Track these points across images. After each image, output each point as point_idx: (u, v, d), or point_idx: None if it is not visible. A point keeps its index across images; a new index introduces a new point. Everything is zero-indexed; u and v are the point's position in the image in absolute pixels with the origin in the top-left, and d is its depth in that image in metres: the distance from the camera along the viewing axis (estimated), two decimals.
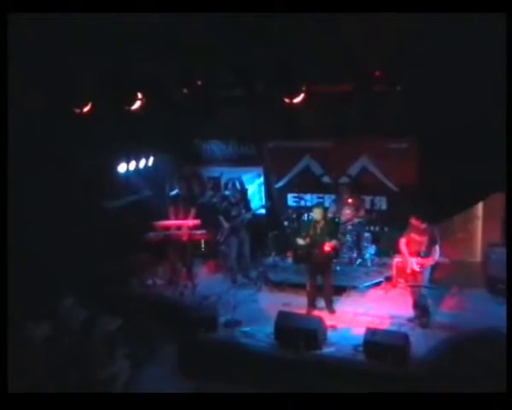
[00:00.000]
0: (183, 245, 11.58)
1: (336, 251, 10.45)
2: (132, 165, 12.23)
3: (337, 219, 11.74)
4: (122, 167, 11.95)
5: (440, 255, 9.42)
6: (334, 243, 9.98)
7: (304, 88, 9.42)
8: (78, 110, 9.95)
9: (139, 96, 10.23)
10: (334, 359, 8.79)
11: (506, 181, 6.96)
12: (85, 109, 10.00)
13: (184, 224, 11.45)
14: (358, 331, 9.17)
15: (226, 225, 11.63)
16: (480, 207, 11.80)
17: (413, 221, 9.44)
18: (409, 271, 9.44)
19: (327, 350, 8.98)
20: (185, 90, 10.17)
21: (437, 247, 9.34)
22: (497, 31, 6.54)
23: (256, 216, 12.30)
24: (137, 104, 10.33)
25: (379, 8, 6.97)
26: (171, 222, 11.52)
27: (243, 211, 11.83)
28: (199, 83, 9.95)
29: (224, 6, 7.31)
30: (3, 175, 6.55)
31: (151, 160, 12.86)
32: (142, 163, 12.58)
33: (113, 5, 7.29)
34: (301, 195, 13.17)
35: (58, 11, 7.17)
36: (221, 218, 11.76)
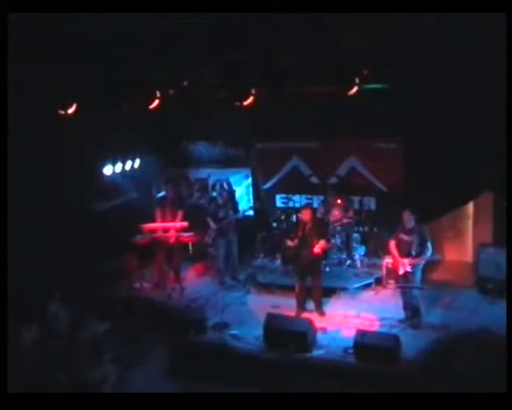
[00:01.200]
0: (171, 248, 11.52)
1: (325, 252, 10.43)
2: (118, 167, 12.15)
3: (326, 220, 11.69)
4: (108, 170, 11.88)
5: (432, 253, 9.44)
6: (323, 243, 9.94)
7: (292, 89, 9.35)
8: (63, 111, 9.81)
9: (126, 97, 10.11)
10: (324, 361, 8.73)
11: (506, 181, 6.97)
12: (71, 110, 9.85)
13: (171, 226, 11.40)
14: (348, 333, 9.13)
15: (214, 226, 11.60)
16: (470, 206, 11.79)
17: (405, 216, 9.40)
18: (401, 272, 9.43)
19: (316, 353, 8.92)
20: (172, 91, 10.07)
21: (428, 244, 9.32)
22: (497, 31, 6.58)
23: (244, 217, 12.31)
24: (124, 105, 10.22)
25: (377, 8, 6.94)
26: (159, 224, 11.47)
27: (231, 212, 11.82)
28: (185, 83, 9.84)
29: (214, 6, 7.25)
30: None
31: (137, 162, 12.79)
32: (128, 165, 12.51)
33: (111, 5, 7.24)
34: (289, 196, 13.15)
35: (58, 11, 7.17)
36: (209, 219, 11.72)
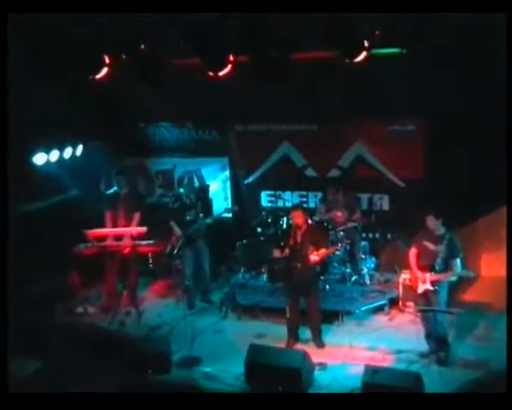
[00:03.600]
0: (125, 260, 11.53)
1: (325, 264, 10.53)
2: (54, 155, 12.06)
3: (325, 224, 11.70)
4: (40, 158, 11.75)
5: (463, 268, 9.36)
6: (322, 251, 9.91)
7: (281, 55, 9.14)
8: None
9: (65, 62, 9.84)
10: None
11: (506, 181, 7.50)
12: None
13: (126, 232, 11.40)
14: (355, 370, 9.09)
15: (179, 232, 11.58)
16: None
17: (428, 222, 9.35)
18: (420, 290, 9.40)
19: None
20: (125, 57, 9.82)
21: (458, 259, 9.28)
22: (497, 31, 7.20)
23: (219, 221, 12.32)
24: (62, 74, 10.01)
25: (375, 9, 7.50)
26: (109, 230, 11.49)
27: (202, 214, 11.84)
28: (143, 47, 9.61)
29: None
30: None
31: (80, 148, 12.75)
32: (67, 153, 12.44)
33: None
34: (278, 192, 13.29)
35: (58, 11, 7.87)
36: (172, 223, 11.72)
